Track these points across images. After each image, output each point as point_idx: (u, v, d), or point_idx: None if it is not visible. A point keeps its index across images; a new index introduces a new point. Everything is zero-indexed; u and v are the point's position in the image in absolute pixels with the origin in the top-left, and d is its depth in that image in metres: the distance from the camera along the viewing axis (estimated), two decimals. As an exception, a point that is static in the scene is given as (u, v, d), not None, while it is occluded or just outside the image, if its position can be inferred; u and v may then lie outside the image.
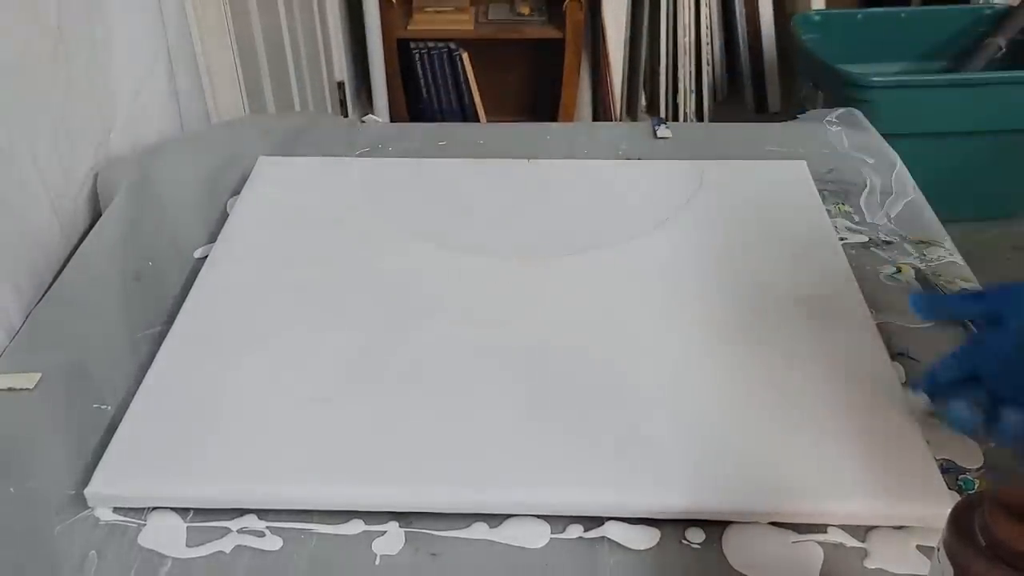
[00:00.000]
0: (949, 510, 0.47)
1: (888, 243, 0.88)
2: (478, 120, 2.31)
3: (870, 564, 0.59)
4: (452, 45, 2.23)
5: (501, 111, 2.36)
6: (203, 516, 0.62)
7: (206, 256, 0.85)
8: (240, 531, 0.61)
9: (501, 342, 0.74)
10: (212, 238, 0.88)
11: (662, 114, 2.30)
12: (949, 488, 0.62)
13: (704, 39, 2.24)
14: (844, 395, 0.68)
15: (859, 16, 2.11)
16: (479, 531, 0.61)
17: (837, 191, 0.96)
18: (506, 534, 0.61)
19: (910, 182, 0.98)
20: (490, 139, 1.08)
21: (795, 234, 0.86)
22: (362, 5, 2.07)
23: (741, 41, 2.28)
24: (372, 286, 0.80)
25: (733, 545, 0.60)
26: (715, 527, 0.61)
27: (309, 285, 0.80)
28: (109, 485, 0.62)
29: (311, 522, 0.62)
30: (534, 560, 0.59)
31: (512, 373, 0.71)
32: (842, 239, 0.87)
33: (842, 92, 1.80)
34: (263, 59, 1.47)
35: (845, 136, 1.06)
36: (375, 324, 0.76)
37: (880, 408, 0.67)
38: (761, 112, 2.33)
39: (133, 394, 0.69)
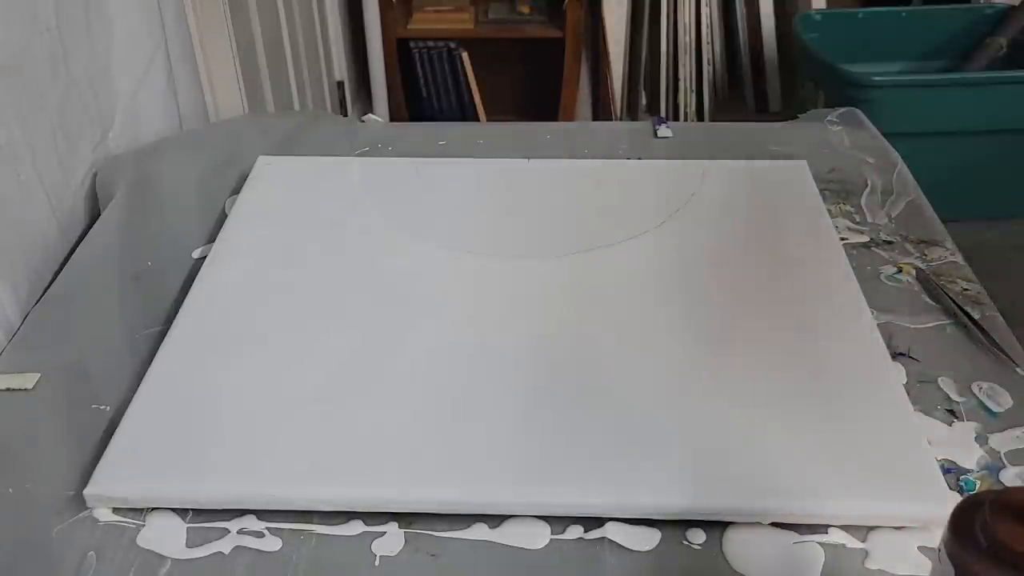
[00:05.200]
0: (950, 511, 0.47)
1: (889, 243, 0.88)
2: (478, 120, 2.31)
3: (871, 565, 0.59)
4: (452, 44, 2.23)
5: (501, 111, 2.35)
6: (202, 517, 0.62)
7: (205, 256, 0.84)
8: (239, 532, 0.61)
9: (501, 342, 0.73)
10: (211, 238, 0.88)
11: (662, 113, 2.29)
12: (950, 489, 0.62)
13: (704, 38, 2.23)
14: (845, 395, 0.68)
15: (860, 15, 2.10)
16: (479, 531, 0.61)
17: (838, 191, 0.95)
18: (506, 534, 0.61)
19: (911, 182, 0.98)
20: (490, 139, 1.07)
21: (795, 234, 0.86)
22: (362, 4, 2.07)
23: (742, 40, 2.27)
24: (372, 286, 0.80)
25: (734, 546, 0.60)
26: (716, 528, 0.61)
27: (308, 285, 0.80)
28: (108, 486, 0.62)
29: (311, 523, 0.61)
30: (534, 561, 0.59)
31: (512, 373, 0.70)
32: (843, 239, 0.87)
33: (843, 91, 1.80)
34: (262, 58, 1.47)
35: (846, 136, 1.06)
36: (375, 324, 0.76)
37: (881, 408, 0.67)
38: (761, 112, 2.33)
39: (132, 394, 0.69)
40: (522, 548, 0.60)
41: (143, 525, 0.61)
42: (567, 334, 0.74)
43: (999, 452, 0.66)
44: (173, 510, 0.62)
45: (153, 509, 0.62)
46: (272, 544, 0.60)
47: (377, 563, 0.59)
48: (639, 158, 1.01)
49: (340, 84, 1.99)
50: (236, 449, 0.64)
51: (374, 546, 0.60)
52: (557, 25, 2.15)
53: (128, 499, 0.62)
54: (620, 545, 0.60)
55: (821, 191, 0.93)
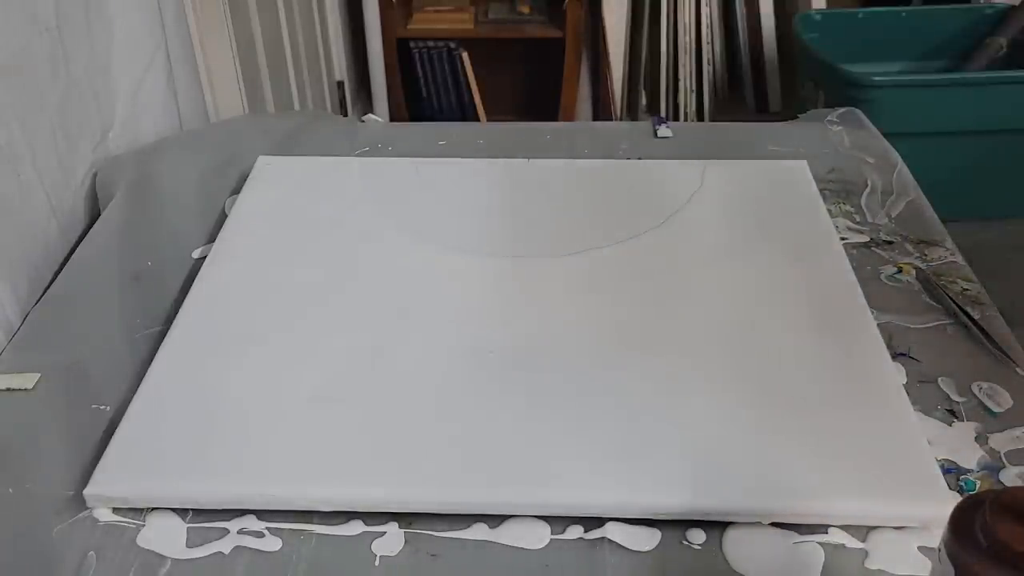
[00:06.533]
0: (950, 511, 0.47)
1: (889, 243, 0.88)
2: (478, 120, 2.31)
3: (871, 565, 0.59)
4: (452, 44, 2.23)
5: (501, 111, 2.35)
6: (202, 517, 0.62)
7: (205, 256, 0.84)
8: (239, 532, 0.61)
9: (501, 342, 0.73)
10: (211, 238, 0.88)
11: (662, 113, 2.29)
12: (950, 489, 0.62)
13: (704, 38, 2.23)
14: (845, 396, 0.68)
15: (860, 15, 2.10)
16: (479, 532, 0.61)
17: (838, 191, 0.95)
18: (506, 534, 0.61)
19: (911, 182, 0.98)
20: (490, 139, 1.07)
21: (795, 234, 0.86)
22: (362, 4, 2.07)
23: (742, 40, 2.27)
24: (372, 286, 0.80)
25: (734, 546, 0.60)
26: (716, 528, 0.61)
27: (308, 285, 0.80)
28: (108, 486, 0.62)
29: (311, 523, 0.61)
30: (534, 561, 0.59)
31: (512, 373, 0.70)
32: (843, 239, 0.87)
33: (843, 91, 1.80)
34: (262, 58, 1.47)
35: (846, 136, 1.06)
36: (374, 324, 0.76)
37: (881, 409, 0.67)
38: (762, 111, 2.33)
39: (132, 394, 0.69)
40: (522, 548, 0.60)
41: (143, 525, 0.61)
42: (567, 334, 0.74)
43: (999, 452, 0.66)
44: (173, 510, 0.62)
45: (153, 509, 0.62)
46: (272, 544, 0.60)
47: (377, 563, 0.59)
48: (639, 158, 1.01)
49: (340, 84, 1.99)
50: (236, 449, 0.64)
51: (374, 546, 0.60)
52: (557, 25, 2.15)
53: (128, 499, 0.62)
54: (620, 545, 0.60)
55: (821, 191, 0.93)
